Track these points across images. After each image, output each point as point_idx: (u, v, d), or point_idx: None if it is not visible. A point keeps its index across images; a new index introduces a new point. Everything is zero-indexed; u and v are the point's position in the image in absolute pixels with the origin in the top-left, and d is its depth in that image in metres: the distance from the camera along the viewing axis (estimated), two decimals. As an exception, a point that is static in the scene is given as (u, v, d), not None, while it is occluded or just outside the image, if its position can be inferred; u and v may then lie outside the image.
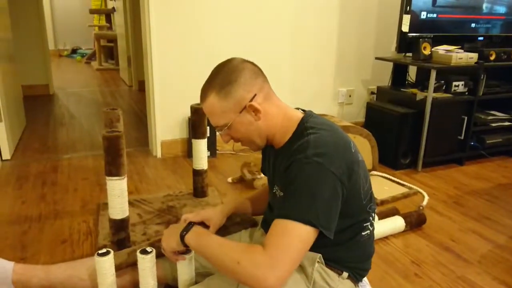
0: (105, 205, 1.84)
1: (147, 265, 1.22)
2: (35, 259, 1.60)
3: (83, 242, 1.74)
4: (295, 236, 0.93)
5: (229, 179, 2.42)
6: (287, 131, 1.09)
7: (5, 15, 2.97)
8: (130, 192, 1.64)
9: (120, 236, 1.61)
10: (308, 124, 1.06)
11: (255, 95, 1.05)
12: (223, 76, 1.05)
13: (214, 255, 1.00)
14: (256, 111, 1.05)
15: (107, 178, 1.53)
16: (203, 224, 1.27)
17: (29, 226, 1.84)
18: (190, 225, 1.11)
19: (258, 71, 1.09)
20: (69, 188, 2.24)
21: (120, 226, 1.60)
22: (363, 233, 1.13)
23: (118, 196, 1.56)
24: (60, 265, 1.38)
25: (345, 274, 1.13)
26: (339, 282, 1.13)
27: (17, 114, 3.08)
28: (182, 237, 1.08)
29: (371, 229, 1.16)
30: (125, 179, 1.56)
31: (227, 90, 1.04)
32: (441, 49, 2.69)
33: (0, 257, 1.35)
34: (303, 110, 1.15)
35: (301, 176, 0.96)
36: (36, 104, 4.06)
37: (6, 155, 2.61)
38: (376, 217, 1.89)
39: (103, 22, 7.12)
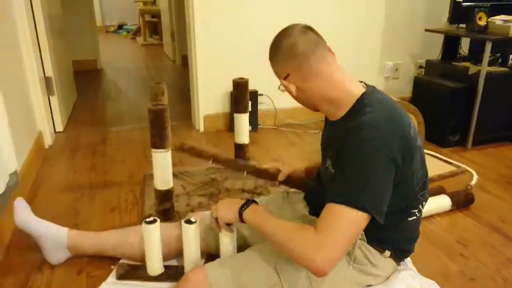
0: (151, 176, 1.90)
1: (191, 234, 1.26)
2: (87, 225, 1.70)
3: (130, 211, 1.82)
4: (347, 221, 0.94)
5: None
6: (342, 104, 1.06)
7: (55, -8, 3.07)
8: (174, 164, 1.68)
9: (165, 206, 1.67)
10: (366, 101, 1.03)
11: (288, 75, 1.07)
12: (283, 41, 1.09)
13: (269, 233, 1.04)
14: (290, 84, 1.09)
15: (153, 150, 1.58)
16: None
17: (81, 194, 1.95)
18: (250, 201, 1.12)
19: (317, 41, 1.09)
20: (117, 159, 2.33)
21: (165, 196, 1.66)
22: (409, 219, 1.11)
23: (163, 167, 1.61)
24: (111, 232, 1.46)
25: (387, 253, 1.12)
26: (380, 260, 1.12)
27: (69, 89, 3.22)
28: (241, 212, 1.10)
29: (418, 215, 1.14)
30: (170, 152, 1.60)
31: (274, 60, 1.12)
32: (498, 19, 2.51)
33: (55, 223, 1.44)
34: (366, 85, 1.11)
35: (355, 160, 0.95)
36: (85, 78, 4.22)
37: (59, 127, 2.75)
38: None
39: (148, -2, 7.20)
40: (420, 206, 1.13)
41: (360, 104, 1.03)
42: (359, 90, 1.07)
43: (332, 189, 0.98)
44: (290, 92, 1.11)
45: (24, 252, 1.50)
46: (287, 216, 1.32)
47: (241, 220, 1.11)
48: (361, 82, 1.12)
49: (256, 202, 1.13)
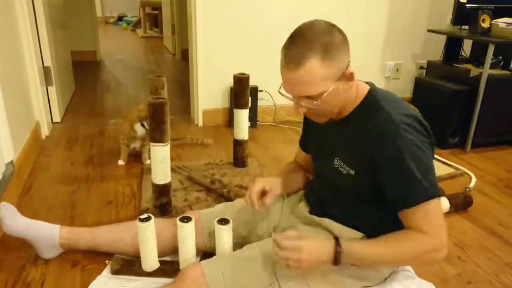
0: (148, 169, 1.89)
1: (186, 232, 1.25)
2: (83, 218, 1.69)
3: (127, 204, 1.80)
4: (439, 211, 1.02)
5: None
6: (355, 101, 1.07)
7: (56, -19, 3.04)
8: (172, 159, 1.67)
9: (162, 200, 1.66)
10: (379, 97, 1.05)
11: (349, 61, 1.00)
12: (325, 39, 0.94)
13: (381, 262, 1.09)
14: (351, 78, 1.00)
15: (151, 144, 1.57)
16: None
17: (78, 186, 1.93)
18: (337, 245, 0.99)
19: (344, 34, 1.02)
20: (115, 152, 2.31)
21: (162, 191, 1.64)
22: None
23: (161, 162, 1.59)
24: (104, 228, 1.43)
25: None
26: None
27: (67, 79, 3.19)
28: (337, 261, 0.99)
29: None
30: (168, 146, 1.59)
31: (333, 55, 0.95)
32: (502, 21, 2.50)
33: (51, 215, 1.41)
34: (366, 82, 1.12)
35: (407, 159, 0.97)
36: (84, 70, 4.19)
37: (57, 118, 2.73)
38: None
39: (149, -11, 7.15)
40: None
41: (373, 100, 1.05)
42: (366, 86, 1.09)
43: (408, 193, 0.99)
44: (337, 96, 0.99)
45: (18, 246, 1.48)
46: (284, 215, 1.31)
47: (337, 262, 1.00)
48: None
49: (338, 240, 1.01)
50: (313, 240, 1.02)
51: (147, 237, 1.28)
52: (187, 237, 1.26)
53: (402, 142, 0.97)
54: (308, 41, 0.94)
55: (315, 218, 1.19)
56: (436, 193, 0.99)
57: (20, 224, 1.36)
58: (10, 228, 1.35)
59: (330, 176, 1.15)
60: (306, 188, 1.32)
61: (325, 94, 0.97)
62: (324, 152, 1.19)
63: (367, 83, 1.11)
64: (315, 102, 0.98)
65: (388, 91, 1.10)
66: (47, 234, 1.38)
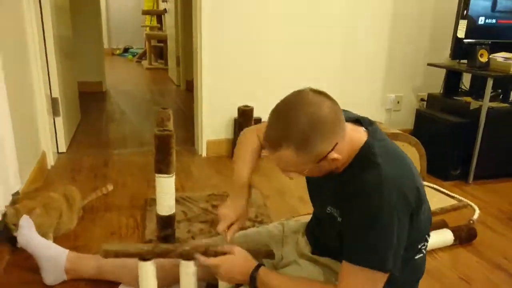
0: (152, 200, 1.90)
1: (189, 270, 1.23)
2: (87, 248, 1.68)
3: (130, 235, 1.80)
4: (370, 283, 0.96)
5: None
6: (350, 157, 1.01)
7: (66, 14, 3.14)
8: (176, 190, 1.68)
9: (167, 232, 1.66)
10: (375, 151, 0.97)
11: (336, 143, 0.94)
12: (303, 128, 0.90)
13: None
14: (335, 160, 0.96)
15: (156, 175, 1.58)
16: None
17: (82, 216, 1.94)
18: (258, 266, 1.10)
19: (336, 111, 0.94)
20: (119, 182, 2.33)
21: (166, 222, 1.65)
22: (416, 257, 1.09)
23: (166, 193, 1.61)
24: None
25: None
26: None
27: (73, 110, 3.25)
28: (253, 279, 1.09)
29: (424, 252, 1.12)
30: (173, 177, 1.61)
31: (308, 149, 0.92)
32: (500, 56, 2.56)
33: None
34: (366, 126, 1.05)
35: (375, 221, 0.92)
36: (90, 100, 4.25)
37: (62, 148, 2.76)
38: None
39: (155, 23, 7.35)
40: (426, 242, 1.11)
41: (368, 154, 0.98)
42: (361, 139, 1.01)
43: (350, 248, 0.97)
44: (322, 168, 0.98)
45: (23, 272, 1.49)
46: (288, 252, 1.30)
47: (253, 286, 1.09)
48: (358, 121, 1.06)
49: (263, 265, 1.12)
50: (232, 260, 1.12)
51: (148, 277, 1.24)
52: (190, 278, 1.23)
53: (380, 204, 0.92)
54: (286, 127, 0.92)
55: (319, 258, 1.19)
56: (383, 268, 0.93)
57: (34, 239, 1.43)
58: (25, 238, 1.42)
59: (328, 221, 1.14)
60: (308, 225, 1.32)
61: (304, 171, 0.99)
62: (317, 198, 1.20)
63: (367, 129, 1.03)
64: (296, 174, 1.00)
65: (390, 145, 1.03)
66: (55, 254, 1.42)
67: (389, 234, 0.92)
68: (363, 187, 0.95)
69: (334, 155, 0.94)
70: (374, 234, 0.93)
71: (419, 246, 1.09)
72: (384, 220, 0.92)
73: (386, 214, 0.92)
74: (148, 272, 1.25)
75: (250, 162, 1.27)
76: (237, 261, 1.13)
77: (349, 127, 1.01)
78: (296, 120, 0.91)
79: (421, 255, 1.11)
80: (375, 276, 0.95)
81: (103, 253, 1.19)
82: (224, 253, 1.13)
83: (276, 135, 0.94)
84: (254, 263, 1.12)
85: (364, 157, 0.98)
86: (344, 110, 1.06)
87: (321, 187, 1.16)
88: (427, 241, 1.11)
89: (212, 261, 1.12)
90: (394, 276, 1.03)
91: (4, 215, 1.55)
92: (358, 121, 1.07)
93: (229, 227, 1.20)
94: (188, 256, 1.18)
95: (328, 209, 1.11)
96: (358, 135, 1.02)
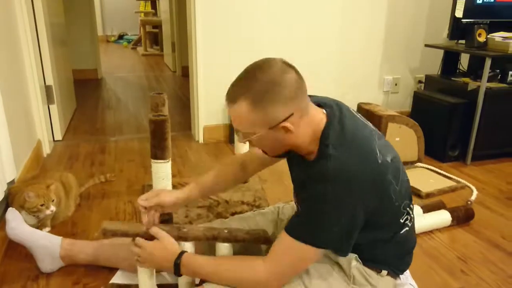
0: (150, 186, 1.89)
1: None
2: (85, 235, 1.68)
3: (128, 221, 1.80)
4: (300, 257, 0.97)
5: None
6: (315, 145, 0.98)
7: (58, 1, 3.09)
8: (173, 175, 1.67)
9: (164, 217, 1.65)
10: (328, 142, 0.95)
11: (292, 114, 0.93)
12: (262, 86, 0.91)
13: (212, 278, 1.05)
14: (288, 131, 0.95)
15: (152, 161, 1.57)
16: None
17: (79, 203, 1.93)
18: (180, 253, 1.09)
19: (300, 84, 0.94)
20: (116, 169, 2.32)
21: (164, 207, 1.64)
22: (401, 232, 1.07)
23: (162, 178, 1.59)
24: (104, 244, 1.44)
25: (384, 272, 1.10)
26: (379, 280, 1.10)
27: (68, 97, 3.22)
28: (177, 268, 1.08)
29: (409, 225, 1.09)
30: (170, 162, 1.59)
31: (263, 105, 0.91)
32: (498, 36, 2.53)
33: (52, 232, 1.43)
34: (327, 108, 1.02)
35: (316, 208, 0.93)
36: (86, 87, 4.22)
37: (58, 136, 2.74)
38: (421, 210, 1.83)
39: (149, 8, 7.26)
40: (408, 216, 1.08)
41: (322, 146, 0.96)
42: (321, 119, 0.99)
43: (292, 221, 0.98)
44: (274, 140, 0.97)
45: (20, 262, 1.48)
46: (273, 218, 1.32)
47: (177, 274, 1.09)
48: (321, 105, 1.03)
49: (185, 252, 1.11)
50: (159, 245, 1.12)
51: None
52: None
53: (325, 199, 0.92)
54: (248, 84, 0.93)
55: None
56: (316, 244, 0.94)
57: (24, 230, 1.40)
58: (15, 232, 1.39)
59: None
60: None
61: (254, 136, 0.96)
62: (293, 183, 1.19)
63: (327, 113, 1.00)
64: (248, 139, 0.99)
65: (345, 129, 0.97)
66: (49, 243, 1.40)
67: (327, 220, 0.93)
68: (312, 176, 0.95)
69: (287, 123, 0.93)
70: (315, 216, 0.94)
71: (402, 221, 1.06)
72: (326, 208, 0.92)
73: (328, 205, 0.92)
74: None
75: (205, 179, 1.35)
76: (162, 246, 1.12)
77: (312, 110, 0.99)
78: (258, 78, 0.92)
79: (406, 228, 1.08)
80: (310, 252, 0.96)
81: (102, 231, 1.19)
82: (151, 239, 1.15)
83: (237, 90, 0.95)
84: (178, 249, 1.10)
85: (320, 150, 0.97)
86: (314, 96, 1.06)
87: (295, 177, 1.16)
88: (409, 214, 1.08)
89: (141, 242, 1.13)
90: (381, 251, 1.05)
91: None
92: (319, 105, 1.04)
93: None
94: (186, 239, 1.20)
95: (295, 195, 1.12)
96: (318, 118, 0.99)
